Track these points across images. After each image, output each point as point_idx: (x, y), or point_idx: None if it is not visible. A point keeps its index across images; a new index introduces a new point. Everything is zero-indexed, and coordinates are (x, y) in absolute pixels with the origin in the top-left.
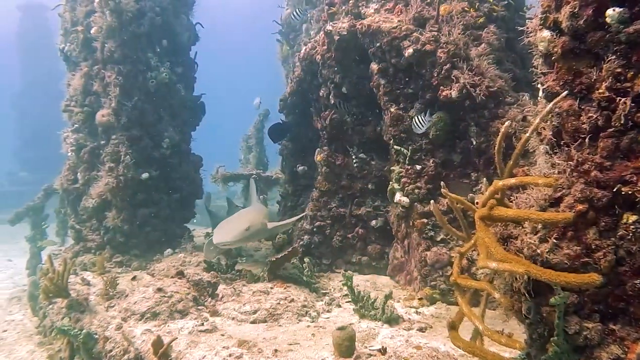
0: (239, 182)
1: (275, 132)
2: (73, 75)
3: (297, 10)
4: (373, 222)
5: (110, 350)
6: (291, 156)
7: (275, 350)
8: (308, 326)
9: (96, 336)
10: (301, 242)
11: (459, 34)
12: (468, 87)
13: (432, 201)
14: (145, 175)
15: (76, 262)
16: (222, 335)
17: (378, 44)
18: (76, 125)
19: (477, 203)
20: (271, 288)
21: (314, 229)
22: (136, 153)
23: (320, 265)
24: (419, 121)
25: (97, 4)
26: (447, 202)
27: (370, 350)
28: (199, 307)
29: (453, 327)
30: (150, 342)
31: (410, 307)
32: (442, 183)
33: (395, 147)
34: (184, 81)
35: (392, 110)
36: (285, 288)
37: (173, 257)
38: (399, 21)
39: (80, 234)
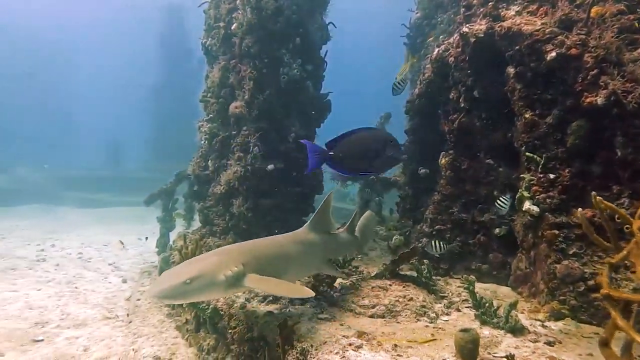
0: (357, 182)
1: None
2: (212, 68)
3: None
4: (496, 230)
5: (235, 327)
6: (413, 158)
7: (395, 345)
8: (426, 326)
9: (222, 312)
10: (419, 245)
11: (612, 37)
12: (618, 93)
13: (579, 209)
14: (270, 167)
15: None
16: (341, 325)
17: (517, 47)
18: (211, 115)
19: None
20: (390, 285)
21: (433, 232)
22: (264, 145)
23: (437, 270)
24: (501, 202)
25: (240, 2)
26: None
27: (494, 357)
28: (317, 296)
29: (605, 343)
30: (272, 323)
31: (536, 320)
32: (592, 193)
33: (527, 154)
34: (313, 79)
35: (526, 116)
36: (404, 287)
37: None
38: (542, 24)
39: (207, 217)
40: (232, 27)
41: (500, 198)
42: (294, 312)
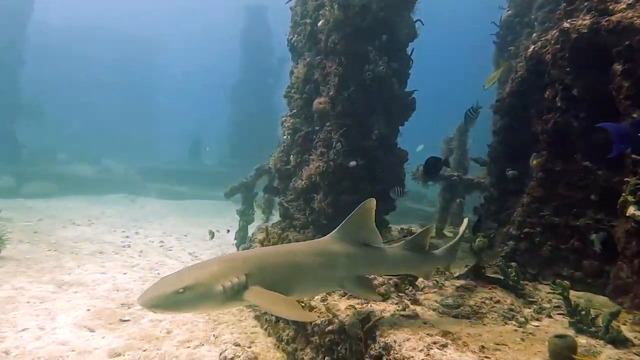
0: (438, 182)
1: (431, 166)
2: (297, 64)
3: None
4: (593, 236)
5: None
6: (501, 159)
7: (482, 347)
8: (515, 330)
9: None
10: (505, 248)
11: None
12: None
13: None
14: (352, 164)
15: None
16: (425, 323)
17: (627, 43)
18: (294, 111)
19: None
20: (475, 286)
21: (521, 235)
22: (346, 141)
23: (524, 274)
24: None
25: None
26: None
27: None
28: (399, 294)
29: None
30: (353, 318)
31: None
32: None
33: (633, 155)
34: (398, 76)
35: (634, 115)
36: (490, 289)
37: None
38: None
39: (287, 211)
40: (319, 24)
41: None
42: (376, 308)
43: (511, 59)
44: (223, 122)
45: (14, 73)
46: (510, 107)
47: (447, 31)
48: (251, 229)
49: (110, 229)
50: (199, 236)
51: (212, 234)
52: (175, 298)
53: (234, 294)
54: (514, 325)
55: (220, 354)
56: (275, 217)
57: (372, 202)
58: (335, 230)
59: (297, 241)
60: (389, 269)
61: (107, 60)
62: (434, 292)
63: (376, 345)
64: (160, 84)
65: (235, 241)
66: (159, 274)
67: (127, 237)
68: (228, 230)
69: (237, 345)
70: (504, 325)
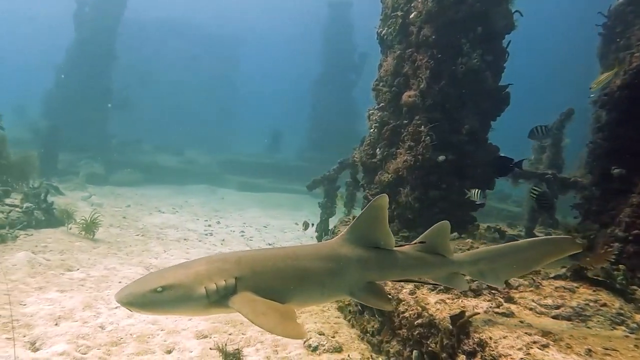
0: (529, 180)
1: (501, 166)
2: (386, 57)
3: None
4: None
5: (404, 312)
6: (604, 157)
7: (589, 350)
8: (627, 336)
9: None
10: (610, 250)
11: None
12: None
13: None
14: (441, 158)
15: None
16: (521, 322)
17: None
18: (382, 104)
19: None
20: (577, 287)
21: (629, 238)
22: (436, 135)
23: (633, 279)
24: None
25: None
26: None
27: None
28: (492, 291)
29: None
30: (445, 312)
31: None
32: None
33: None
34: (492, 69)
35: None
36: (594, 291)
37: (459, 241)
38: None
39: None
40: (410, 16)
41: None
42: (468, 304)
43: (619, 51)
44: (302, 116)
45: (107, 67)
46: (621, 101)
47: (544, 21)
48: (332, 222)
49: (193, 217)
50: (278, 227)
51: (306, 225)
52: (152, 297)
53: (219, 299)
54: (625, 330)
55: (305, 341)
56: (357, 211)
57: (385, 200)
58: (345, 231)
59: None
60: (403, 274)
61: (191, 54)
62: (530, 291)
63: (470, 340)
64: (242, 78)
65: (316, 234)
66: None
67: (210, 225)
68: (312, 224)
69: (322, 334)
70: (612, 330)
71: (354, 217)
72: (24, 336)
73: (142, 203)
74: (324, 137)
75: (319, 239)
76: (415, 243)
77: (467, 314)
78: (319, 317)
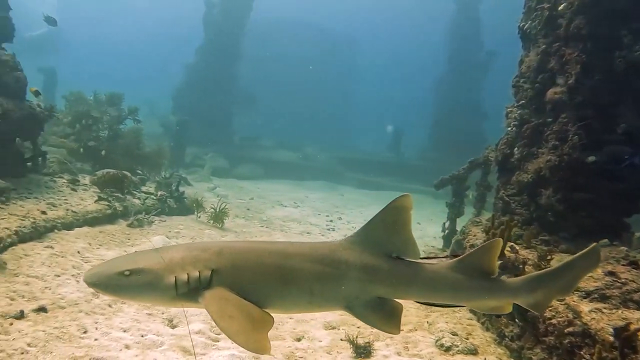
0: None
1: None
2: (528, 53)
3: None
4: None
5: (550, 318)
6: None
7: None
8: None
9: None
10: None
11: None
12: None
13: None
14: (591, 159)
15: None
16: None
17: None
18: (522, 102)
19: None
20: None
21: None
22: (585, 134)
23: None
24: None
25: None
26: None
27: None
28: None
29: None
30: (602, 322)
31: None
32: None
33: None
34: None
35: None
36: None
37: (612, 249)
38: None
39: (508, 206)
40: (559, 8)
41: None
42: (631, 316)
43: None
44: (423, 114)
45: (232, 66)
46: None
47: None
48: (460, 222)
49: (314, 212)
50: None
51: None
52: (117, 280)
53: (188, 292)
54: None
55: (437, 340)
56: (488, 213)
57: (408, 200)
58: (354, 233)
59: (520, 237)
60: (426, 294)
61: (311, 53)
62: None
63: (638, 356)
64: (360, 76)
65: (443, 233)
66: None
67: (331, 221)
68: (419, 223)
69: (455, 334)
70: None
71: (489, 219)
72: (163, 313)
73: (264, 196)
74: (446, 136)
75: (446, 239)
76: (448, 257)
77: (632, 326)
78: (450, 317)
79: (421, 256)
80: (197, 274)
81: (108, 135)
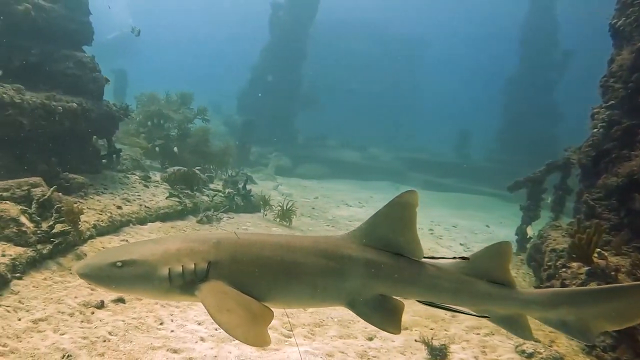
0: None
1: None
2: (619, 51)
3: None
4: None
5: None
6: None
7: None
8: None
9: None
10: None
11: None
12: None
13: None
14: None
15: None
16: None
17: None
18: (612, 102)
19: None
20: None
21: None
22: None
23: None
24: None
25: None
26: None
27: None
28: None
29: None
30: None
31: None
32: None
33: None
34: None
35: None
36: None
37: None
38: None
39: (593, 210)
40: None
41: None
42: None
43: None
44: (492, 117)
45: (297, 67)
46: None
47: None
48: (537, 226)
49: None
50: (468, 228)
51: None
52: (109, 271)
53: (183, 285)
54: None
55: (517, 346)
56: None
57: (414, 196)
58: (357, 228)
59: (608, 243)
60: (429, 294)
61: (376, 53)
62: None
63: None
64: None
65: (516, 237)
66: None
67: None
68: (487, 226)
69: (537, 341)
70: None
71: (570, 223)
72: None
73: (329, 196)
74: (516, 138)
75: (520, 243)
76: (455, 258)
77: None
78: (531, 322)
79: (425, 255)
80: (193, 266)
81: (177, 134)
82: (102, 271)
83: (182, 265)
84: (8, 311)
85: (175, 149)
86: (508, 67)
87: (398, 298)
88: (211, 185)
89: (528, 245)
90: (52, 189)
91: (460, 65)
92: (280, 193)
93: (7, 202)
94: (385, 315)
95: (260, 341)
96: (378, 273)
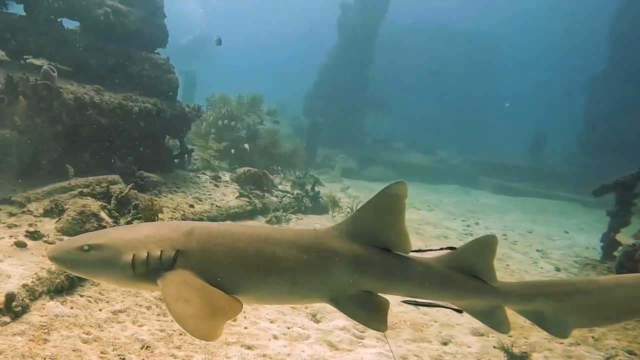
0: None
1: None
2: None
3: None
4: None
5: None
6: None
7: None
8: None
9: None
10: None
11: None
12: None
13: None
14: None
15: None
16: None
17: None
18: None
19: None
20: None
21: None
22: None
23: None
24: None
25: None
26: None
27: None
28: None
29: None
30: None
31: None
32: None
33: None
34: None
35: None
36: None
37: None
38: None
39: None
40: None
41: None
42: None
43: None
44: (570, 116)
45: (365, 69)
46: None
47: None
48: (627, 232)
49: (449, 216)
50: (544, 234)
51: None
52: (75, 255)
53: (147, 272)
54: None
55: (607, 358)
56: None
57: (404, 187)
58: (343, 221)
59: None
60: (417, 290)
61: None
62: None
63: None
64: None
65: (602, 244)
66: (507, 265)
67: (468, 226)
68: (566, 232)
69: (632, 354)
70: None
71: None
72: (306, 308)
73: None
74: (600, 140)
75: (605, 249)
76: (442, 249)
77: None
78: (622, 334)
79: (412, 249)
80: (159, 253)
81: (247, 135)
82: (69, 254)
83: (148, 252)
84: (90, 301)
85: (247, 145)
86: (590, 65)
87: (383, 295)
88: (279, 186)
89: (616, 253)
90: (129, 186)
91: (536, 65)
92: (348, 195)
93: (88, 197)
94: (371, 312)
95: (210, 335)
96: (364, 269)
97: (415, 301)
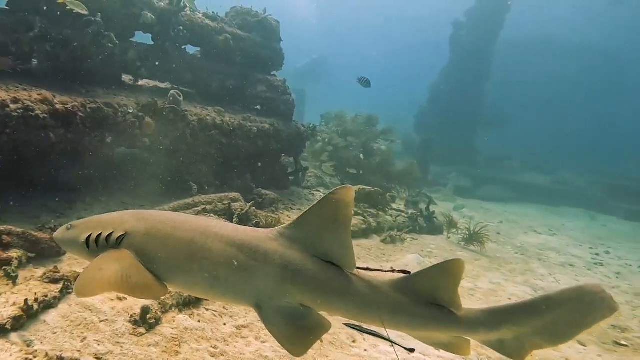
0: None
1: None
2: None
3: None
4: None
5: None
6: None
7: None
8: None
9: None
10: None
11: None
12: None
13: None
14: None
15: None
16: None
17: None
18: None
19: None
20: None
21: None
22: None
23: None
24: None
25: None
26: None
27: None
28: None
29: None
30: None
31: None
32: None
33: None
34: None
35: None
36: None
37: None
38: None
39: None
40: None
41: None
42: None
43: None
44: None
45: (479, 85)
46: None
47: None
48: None
49: (574, 242)
50: None
51: None
52: (61, 233)
53: (97, 250)
54: None
55: None
56: None
57: (349, 192)
58: (286, 224)
59: None
60: (358, 312)
61: (568, 70)
62: None
63: None
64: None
65: None
66: None
67: (597, 254)
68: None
69: None
70: None
71: None
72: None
73: (514, 220)
74: None
75: None
76: (395, 271)
77: None
78: None
79: (358, 266)
80: (109, 233)
81: (362, 152)
82: (59, 232)
83: (101, 232)
84: (215, 315)
85: (362, 155)
86: None
87: (324, 314)
88: (393, 205)
89: None
90: (249, 204)
91: None
92: (462, 215)
93: (211, 215)
94: (296, 330)
95: (83, 292)
96: (297, 278)
97: (360, 327)
